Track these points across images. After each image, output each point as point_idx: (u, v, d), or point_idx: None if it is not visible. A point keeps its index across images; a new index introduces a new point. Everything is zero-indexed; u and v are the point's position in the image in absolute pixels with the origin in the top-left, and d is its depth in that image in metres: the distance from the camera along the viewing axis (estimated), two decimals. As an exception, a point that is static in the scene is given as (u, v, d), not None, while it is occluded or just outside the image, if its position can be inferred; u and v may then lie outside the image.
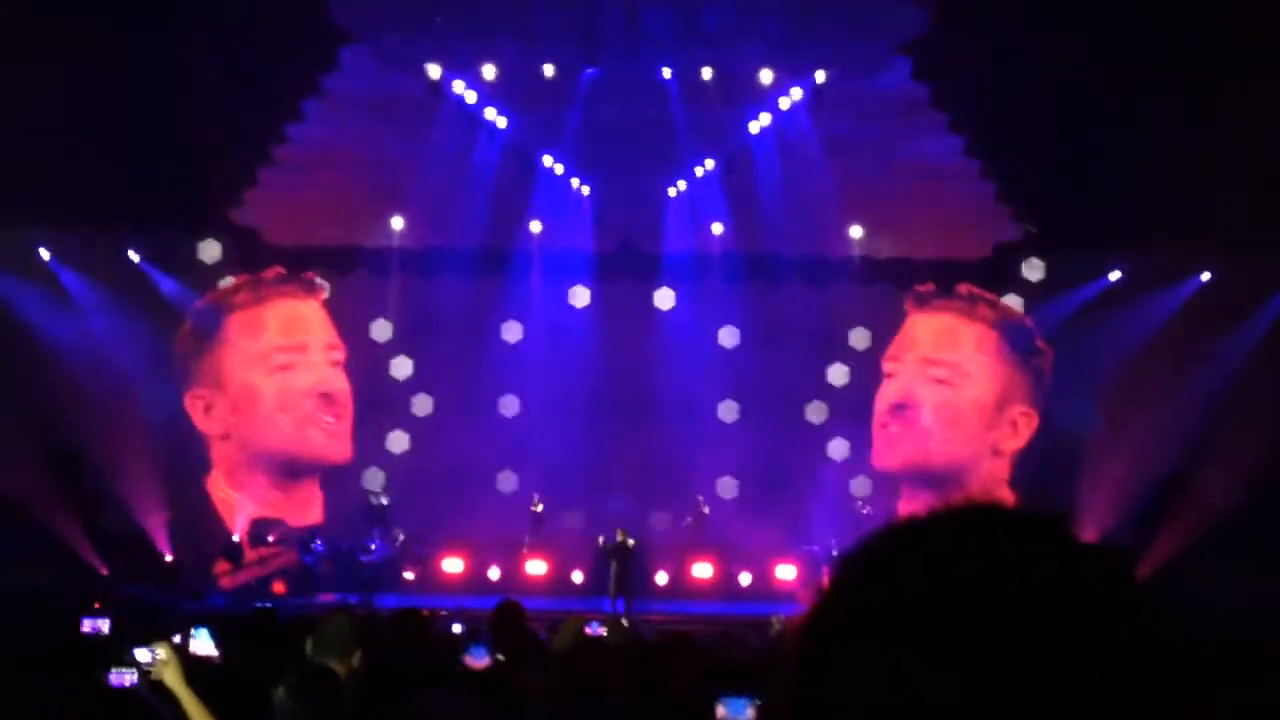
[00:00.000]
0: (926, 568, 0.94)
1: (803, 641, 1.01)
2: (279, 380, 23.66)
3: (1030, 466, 23.37)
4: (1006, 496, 22.79)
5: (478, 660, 6.47)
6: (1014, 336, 24.19)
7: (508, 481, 23.86)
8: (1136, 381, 22.64)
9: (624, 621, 14.35)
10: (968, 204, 23.43)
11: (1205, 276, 23.33)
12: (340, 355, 24.06)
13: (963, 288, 24.20)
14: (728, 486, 23.48)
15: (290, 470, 23.78)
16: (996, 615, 0.89)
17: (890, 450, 24.15)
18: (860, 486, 24.08)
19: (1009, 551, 0.93)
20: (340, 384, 23.99)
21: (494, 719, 4.86)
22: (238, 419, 23.66)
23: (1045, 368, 24.09)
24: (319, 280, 23.90)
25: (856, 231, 24.45)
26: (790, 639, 1.02)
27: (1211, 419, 21.44)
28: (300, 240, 23.94)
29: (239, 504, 23.40)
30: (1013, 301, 24.32)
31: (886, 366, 24.33)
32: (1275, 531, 19.09)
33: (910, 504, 23.50)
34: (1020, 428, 24.17)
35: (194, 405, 23.63)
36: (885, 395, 24.29)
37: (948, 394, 24.19)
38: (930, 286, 24.33)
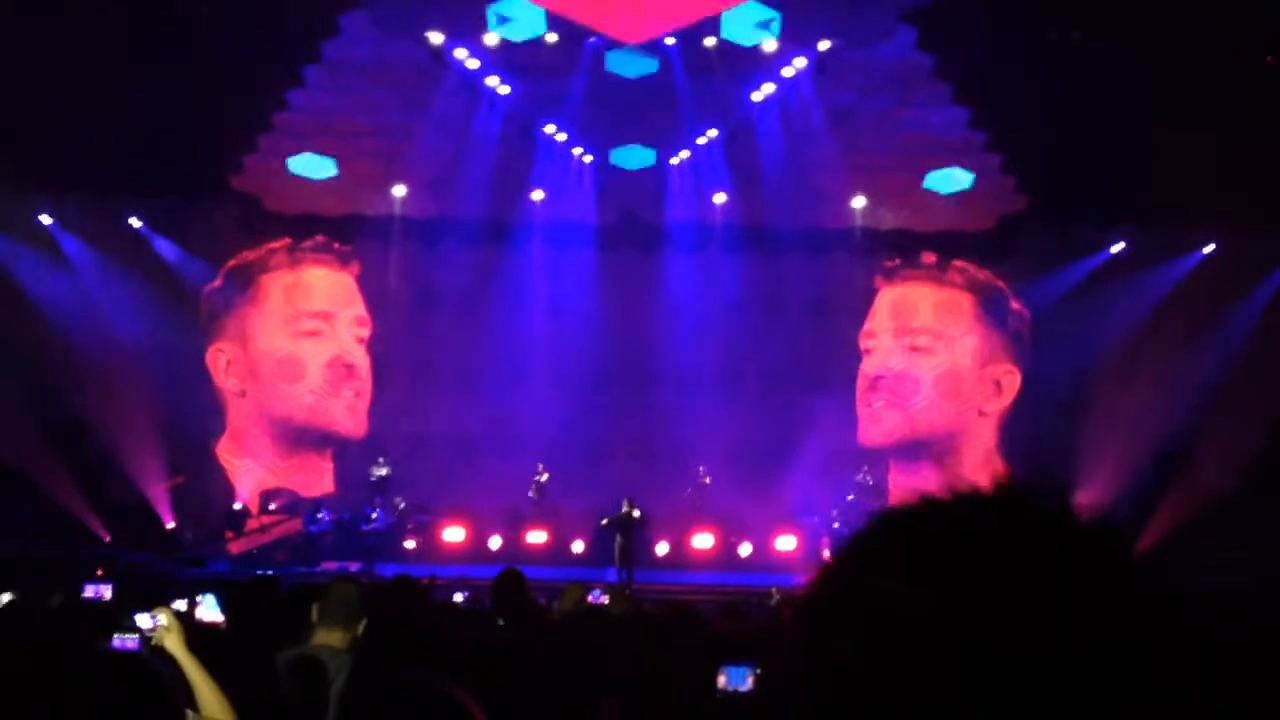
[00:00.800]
0: (926, 553, 0.93)
1: (800, 624, 1.00)
2: (304, 346, 23.95)
3: (1026, 441, 23.40)
4: (996, 463, 23.09)
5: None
6: (988, 299, 24.40)
7: (510, 450, 23.73)
8: (1137, 355, 22.67)
9: (626, 591, 14.43)
10: (942, 194, 23.52)
11: (1209, 249, 23.33)
12: (366, 331, 24.28)
13: (927, 257, 24.34)
14: (729, 457, 23.38)
15: (302, 439, 23.95)
16: (998, 602, 0.89)
17: (876, 425, 24.39)
18: (862, 457, 24.06)
19: (1011, 537, 0.93)
20: (363, 359, 24.22)
21: (494, 687, 4.88)
22: (257, 379, 23.93)
23: (1023, 329, 24.30)
24: (352, 253, 24.16)
25: (859, 202, 24.49)
26: (788, 617, 1.01)
27: (1212, 396, 21.44)
28: (301, 208, 23.99)
29: (246, 471, 23.57)
30: (1016, 272, 24.37)
31: (864, 343, 24.56)
32: (1270, 514, 19.03)
33: (904, 476, 23.88)
34: (1004, 387, 24.39)
35: (215, 359, 23.87)
36: (865, 371, 24.56)
37: (929, 361, 24.48)
38: (896, 261, 24.49)
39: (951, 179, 23.89)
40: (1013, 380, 24.33)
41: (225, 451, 23.88)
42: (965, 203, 24.04)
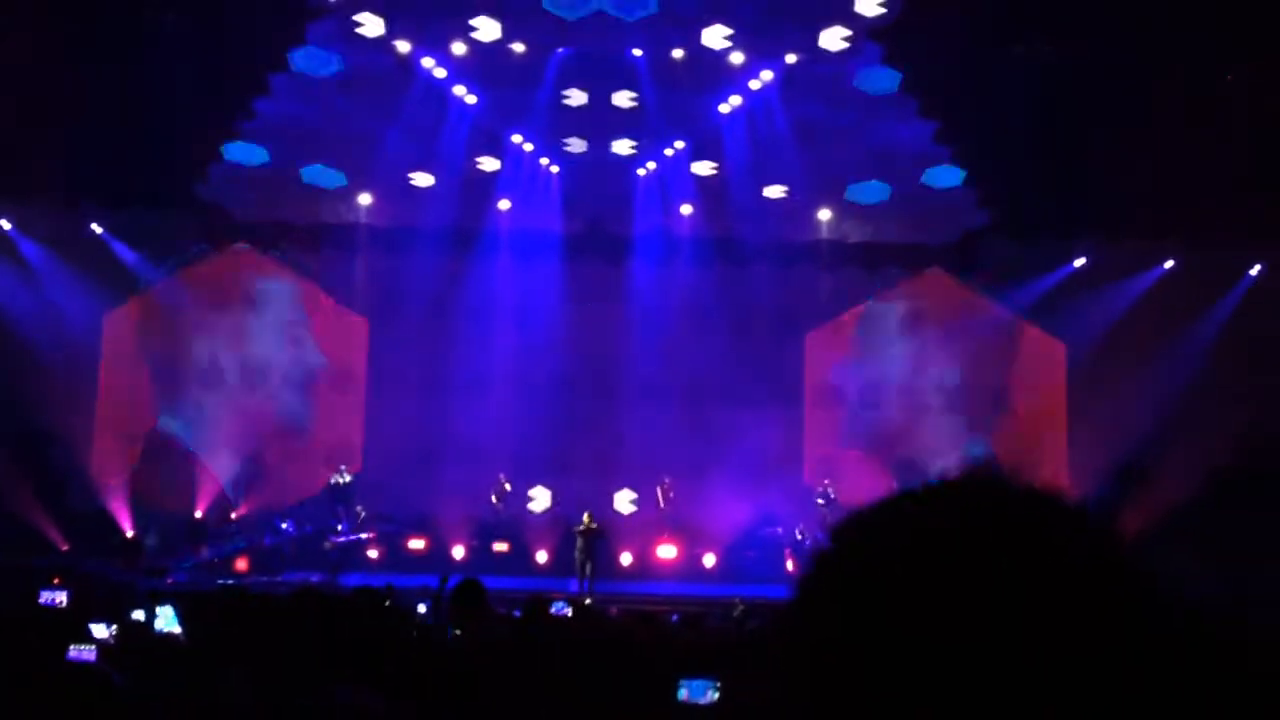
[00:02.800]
0: (913, 545, 0.93)
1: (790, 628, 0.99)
2: (270, 359, 24.01)
3: (992, 452, 23.58)
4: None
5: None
6: (932, 305, 24.79)
7: (474, 460, 23.61)
8: (1099, 368, 22.88)
9: (588, 601, 14.45)
10: (936, 189, 23.56)
11: (1169, 264, 23.56)
12: (328, 342, 24.27)
13: (862, 276, 24.63)
14: (693, 468, 23.37)
15: (264, 448, 23.85)
16: (986, 593, 0.89)
17: (850, 456, 24.43)
18: (824, 470, 24.19)
19: (1002, 528, 0.93)
20: (324, 382, 24.26)
21: (452, 698, 4.88)
22: (219, 386, 23.86)
23: (975, 328, 24.54)
24: (322, 286, 24.20)
25: (825, 215, 24.59)
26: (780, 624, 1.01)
27: (1173, 408, 21.66)
28: (266, 216, 23.95)
29: (206, 479, 23.40)
30: (979, 286, 24.62)
31: (825, 376, 24.77)
32: (1234, 522, 19.21)
33: (865, 485, 23.90)
34: (966, 389, 24.68)
35: (181, 357, 23.78)
36: (831, 403, 24.78)
37: (889, 381, 24.87)
38: (836, 286, 24.81)
39: (869, 190, 24.07)
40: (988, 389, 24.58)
41: (183, 461, 23.58)
42: (930, 217, 24.16)
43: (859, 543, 0.98)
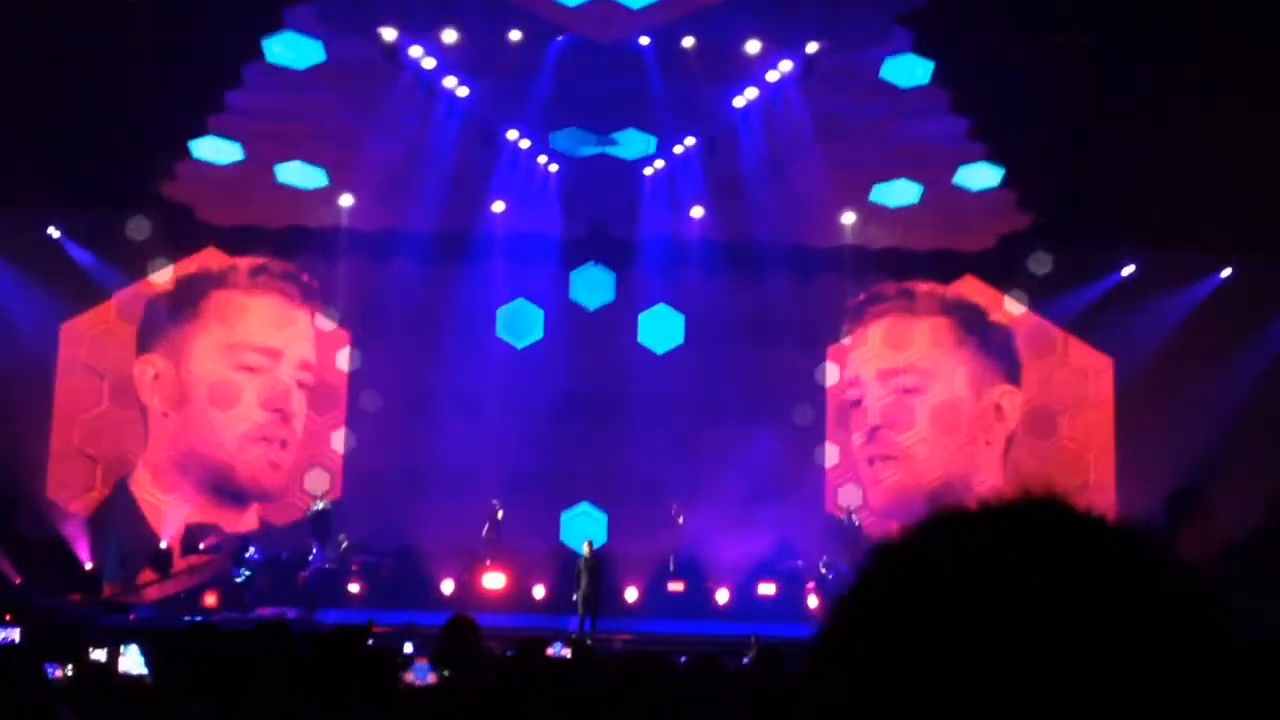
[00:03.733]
0: (970, 572, 0.93)
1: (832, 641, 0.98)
2: (241, 379, 23.97)
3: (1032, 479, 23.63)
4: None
5: (421, 680, 6.51)
6: (964, 319, 24.79)
7: (464, 485, 23.60)
8: (1150, 386, 22.89)
9: (588, 641, 14.49)
10: (971, 191, 23.65)
11: (1226, 273, 23.60)
12: (310, 378, 24.32)
13: (888, 287, 24.72)
14: (705, 494, 23.31)
15: (219, 484, 23.86)
16: (1058, 626, 0.89)
17: (879, 484, 24.54)
18: (849, 495, 24.33)
19: (1074, 555, 0.94)
20: (301, 408, 24.24)
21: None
22: (186, 403, 23.86)
23: (1010, 342, 24.60)
24: (319, 295, 24.29)
25: (848, 218, 24.67)
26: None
27: (1231, 430, 21.66)
28: (238, 219, 24.01)
29: (169, 506, 23.43)
30: (1018, 297, 24.67)
31: (849, 393, 24.84)
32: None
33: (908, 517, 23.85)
34: (1005, 409, 24.59)
35: (142, 370, 23.81)
36: (857, 426, 24.80)
37: (921, 399, 24.80)
38: (860, 298, 24.83)
39: (895, 191, 24.17)
40: (1013, 398, 24.63)
41: (142, 487, 23.73)
42: (964, 221, 24.21)
43: (905, 569, 0.97)
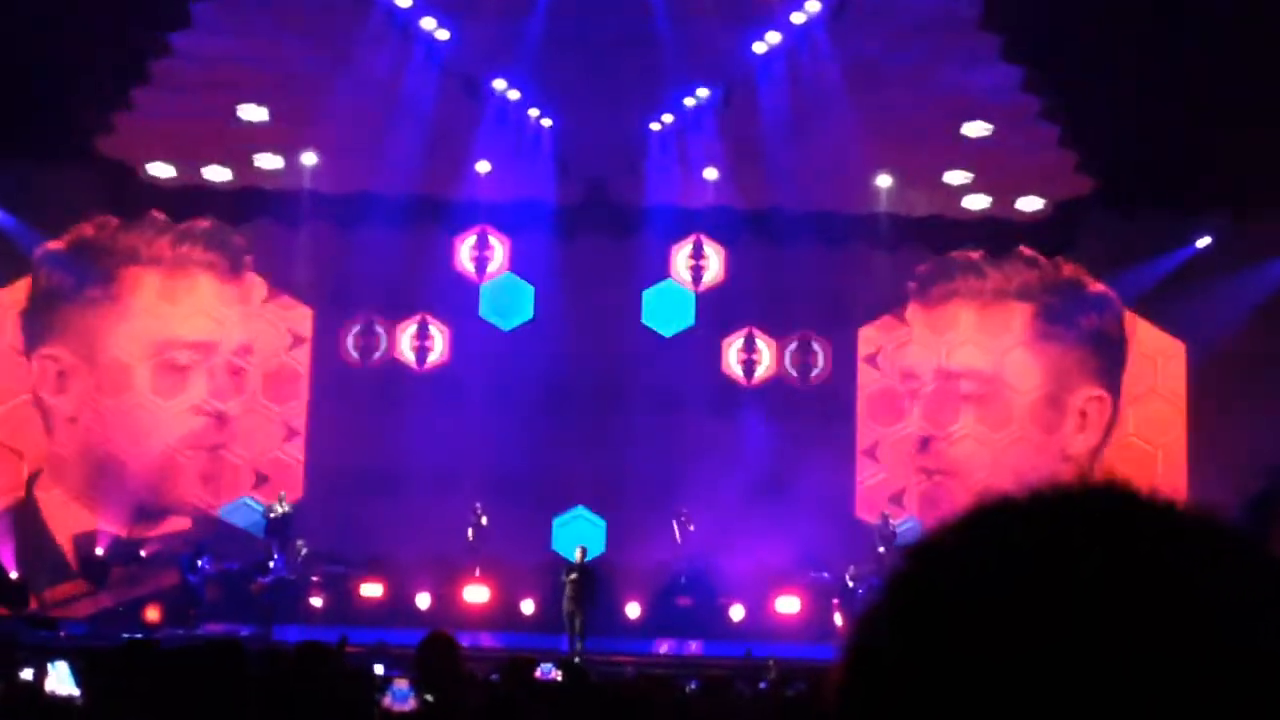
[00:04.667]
0: (1029, 570, 0.91)
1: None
2: (167, 380, 23.88)
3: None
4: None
5: (400, 704, 6.52)
6: (1053, 301, 24.66)
7: (443, 486, 23.66)
8: (1227, 372, 22.95)
9: (576, 660, 14.52)
10: (1023, 150, 23.50)
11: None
12: (261, 364, 24.26)
13: (962, 254, 24.65)
14: (717, 497, 23.27)
15: (180, 467, 23.91)
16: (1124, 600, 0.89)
17: (932, 501, 24.41)
18: (884, 499, 24.36)
19: (1158, 549, 0.93)
20: (236, 408, 24.15)
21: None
22: (98, 407, 23.75)
23: (1113, 328, 24.47)
24: (275, 267, 24.09)
25: (884, 182, 24.63)
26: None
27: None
28: (184, 179, 23.96)
29: (99, 510, 23.44)
30: (1077, 271, 24.72)
31: (888, 385, 24.85)
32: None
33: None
34: (1091, 417, 24.53)
35: (43, 367, 23.70)
36: (909, 430, 24.78)
37: (984, 410, 24.72)
38: (928, 267, 24.79)
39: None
40: (1103, 406, 24.59)
41: (49, 486, 23.68)
42: (1015, 184, 24.15)
43: (948, 567, 0.95)
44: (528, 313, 24.61)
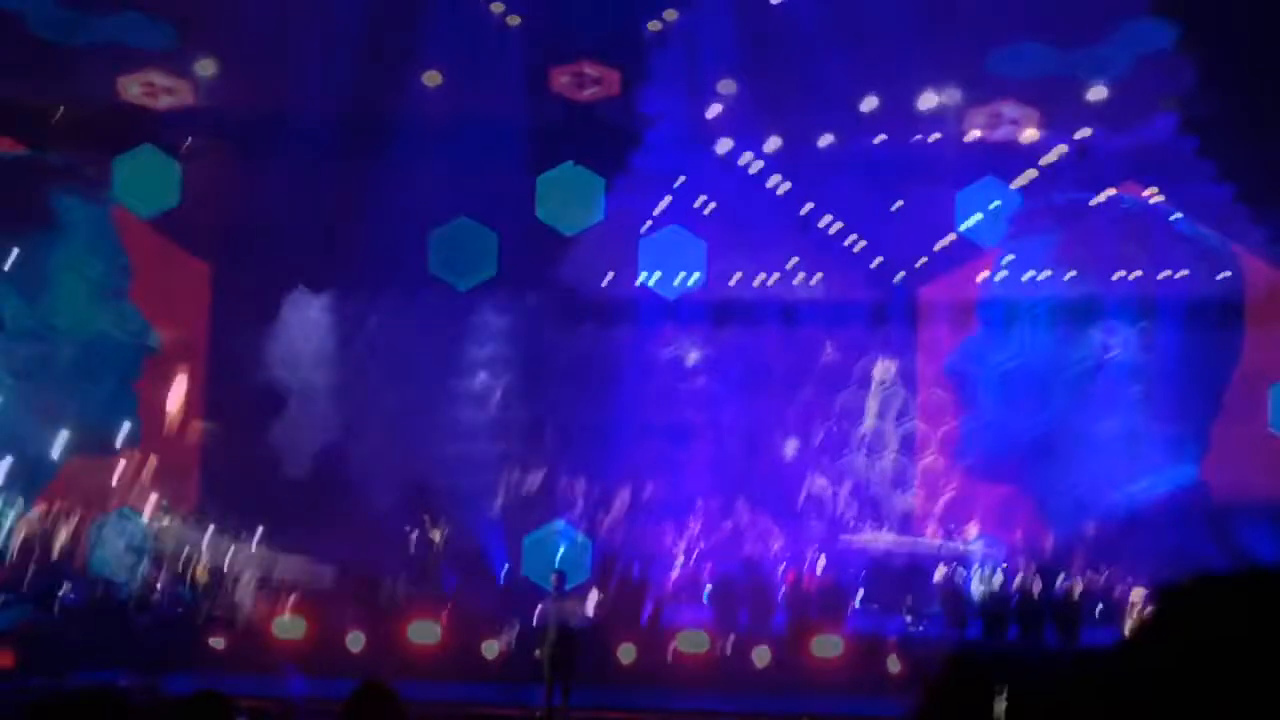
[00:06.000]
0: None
1: None
2: (50, 313, 23.83)
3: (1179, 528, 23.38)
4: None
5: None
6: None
7: (382, 493, 23.64)
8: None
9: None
10: (1128, 58, 23.24)
11: None
12: (143, 295, 24.17)
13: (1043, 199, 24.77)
14: (732, 509, 23.69)
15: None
16: None
17: (990, 455, 24.57)
18: (949, 512, 24.35)
19: None
20: (141, 335, 24.16)
21: None
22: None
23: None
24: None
25: (950, 98, 24.01)
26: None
27: None
28: (44, 95, 23.79)
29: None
30: (1190, 215, 24.87)
31: (965, 337, 25.03)
32: None
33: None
34: None
35: None
36: (972, 376, 24.95)
37: (1070, 367, 25.06)
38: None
39: (1020, 58, 23.49)
40: None
41: None
42: (1115, 101, 23.79)
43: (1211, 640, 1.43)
44: (491, 268, 24.36)
